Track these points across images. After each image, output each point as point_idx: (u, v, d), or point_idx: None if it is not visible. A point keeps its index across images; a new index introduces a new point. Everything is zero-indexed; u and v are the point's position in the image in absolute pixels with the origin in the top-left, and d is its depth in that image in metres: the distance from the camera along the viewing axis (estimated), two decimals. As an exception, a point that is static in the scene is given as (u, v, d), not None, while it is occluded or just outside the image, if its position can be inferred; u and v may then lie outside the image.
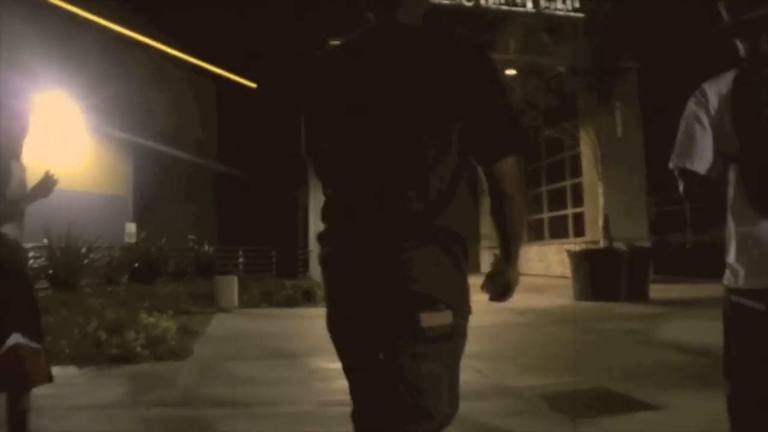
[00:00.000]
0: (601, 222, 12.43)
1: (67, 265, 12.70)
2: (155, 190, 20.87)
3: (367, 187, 1.60)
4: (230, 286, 11.27)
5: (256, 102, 26.65)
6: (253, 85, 27.99)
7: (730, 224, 2.07)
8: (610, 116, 14.58)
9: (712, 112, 2.02)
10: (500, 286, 2.03)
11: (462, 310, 1.69)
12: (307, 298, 12.03)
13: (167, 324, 7.48)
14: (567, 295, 12.32)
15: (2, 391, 3.14)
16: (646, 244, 16.33)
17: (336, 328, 1.76)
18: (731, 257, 2.05)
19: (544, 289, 14.95)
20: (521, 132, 1.75)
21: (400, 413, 1.57)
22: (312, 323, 9.27)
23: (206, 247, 16.87)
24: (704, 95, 2.06)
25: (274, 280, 14.71)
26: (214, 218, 25.44)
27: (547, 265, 21.28)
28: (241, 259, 20.57)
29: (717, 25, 2.17)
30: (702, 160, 2.02)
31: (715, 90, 2.04)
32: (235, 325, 9.30)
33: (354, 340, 1.69)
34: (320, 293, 12.23)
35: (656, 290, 11.66)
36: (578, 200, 19.76)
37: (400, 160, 1.57)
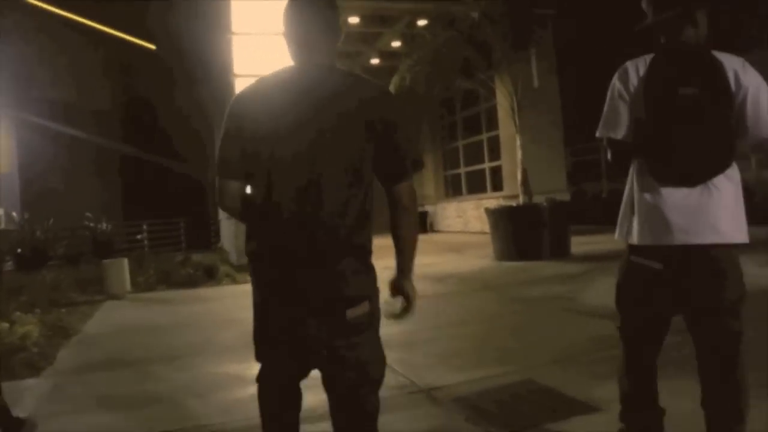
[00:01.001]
0: (519, 176, 11.82)
1: None
2: (47, 167, 19.01)
3: (299, 206, 1.91)
4: (120, 270, 10.03)
5: (161, 69, 24.46)
6: (152, 46, 25.79)
7: (633, 186, 2.44)
8: (527, 66, 13.94)
9: (631, 86, 2.38)
10: (400, 308, 2.28)
11: (375, 298, 2.07)
12: (208, 275, 10.96)
13: (27, 328, 6.30)
14: (487, 254, 11.71)
15: None
16: (565, 196, 15.98)
17: (273, 326, 2.00)
18: (629, 215, 2.46)
19: (464, 248, 14.36)
20: (418, 160, 2.07)
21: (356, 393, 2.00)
22: (210, 307, 8.33)
23: (104, 225, 15.32)
24: (626, 72, 2.43)
25: (176, 256, 13.45)
26: (119, 194, 23.52)
27: (465, 221, 20.79)
28: (145, 235, 19.03)
29: (640, 23, 2.51)
30: (623, 129, 2.40)
31: (634, 68, 2.40)
32: (121, 316, 8.15)
33: (295, 338, 1.94)
34: (223, 269, 11.22)
35: (576, 244, 11.19)
36: (495, 154, 19.24)
37: (327, 191, 1.92)
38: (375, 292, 2.09)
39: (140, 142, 23.64)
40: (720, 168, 2.28)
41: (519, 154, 11.92)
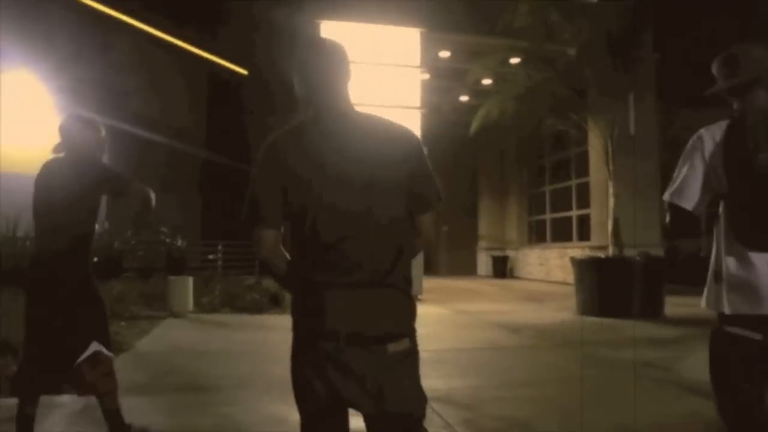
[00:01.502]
0: (610, 226, 10.99)
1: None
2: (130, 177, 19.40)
3: (348, 243, 1.91)
4: (184, 288, 9.85)
5: (249, 90, 24.99)
6: (245, 71, 26.37)
7: (721, 254, 2.40)
8: (624, 109, 13.13)
9: (707, 155, 2.38)
10: None
11: (413, 334, 2.03)
12: (274, 302, 10.62)
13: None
14: (569, 307, 10.88)
15: (84, 394, 3.40)
16: (659, 252, 14.90)
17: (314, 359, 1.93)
18: (716, 284, 2.42)
19: (544, 297, 13.52)
20: (439, 193, 2.12)
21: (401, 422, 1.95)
22: (269, 336, 7.88)
23: (179, 241, 15.36)
24: (701, 139, 2.42)
25: (246, 279, 13.23)
26: (198, 211, 23.87)
27: (547, 269, 19.85)
28: (219, 255, 19.05)
29: (711, 87, 2.57)
30: (691, 197, 2.39)
31: (710, 135, 2.40)
32: (177, 336, 7.87)
33: (339, 370, 1.88)
34: (289, 297, 10.83)
35: (670, 305, 10.20)
36: (584, 201, 18.31)
37: (375, 227, 1.92)
38: (413, 330, 2.07)
39: (224, 164, 24.04)
40: None
41: (611, 202, 11.11)
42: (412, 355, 1.99)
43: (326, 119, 1.99)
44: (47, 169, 3.39)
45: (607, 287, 10.07)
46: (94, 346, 3.24)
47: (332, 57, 2.04)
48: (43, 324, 3.26)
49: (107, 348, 3.35)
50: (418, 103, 13.63)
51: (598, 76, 11.28)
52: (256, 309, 10.20)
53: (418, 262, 13.20)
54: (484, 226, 23.92)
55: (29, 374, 3.33)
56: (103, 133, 3.57)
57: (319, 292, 1.89)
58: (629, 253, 10.90)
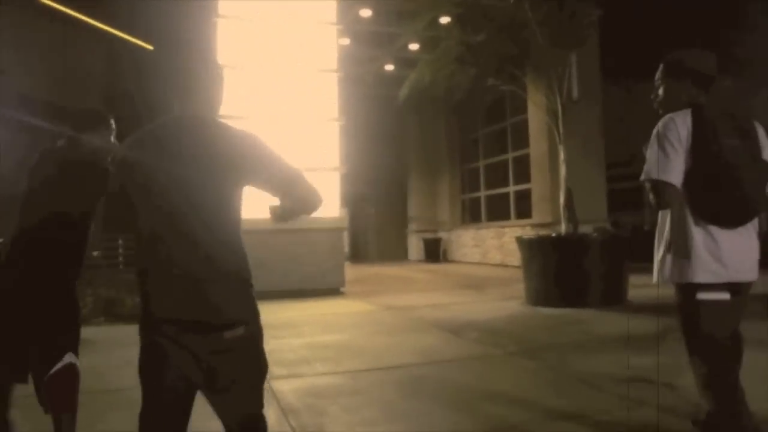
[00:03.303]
0: (562, 198, 9.29)
1: None
2: (19, 169, 16.63)
3: (183, 242, 2.07)
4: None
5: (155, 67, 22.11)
6: (149, 46, 23.43)
7: (681, 228, 2.57)
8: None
9: (682, 137, 2.55)
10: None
11: (254, 321, 2.18)
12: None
13: None
14: (516, 295, 9.19)
15: (54, 412, 2.93)
16: (605, 227, 13.45)
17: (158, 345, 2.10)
18: (681, 256, 2.56)
19: (484, 284, 11.80)
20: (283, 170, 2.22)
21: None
22: (129, 359, 5.70)
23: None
24: (674, 123, 2.59)
25: (131, 279, 10.94)
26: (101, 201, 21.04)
27: (484, 251, 18.26)
28: (120, 251, 16.51)
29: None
30: (677, 174, 2.54)
31: (681, 120, 2.58)
32: None
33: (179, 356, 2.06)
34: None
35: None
36: (522, 176, 16.76)
37: (207, 225, 2.08)
38: (254, 317, 2.20)
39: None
40: (762, 209, 2.57)
41: (562, 170, 9.40)
42: (247, 339, 2.11)
43: (171, 126, 2.18)
44: (45, 177, 3.17)
45: (562, 272, 8.38)
46: (69, 357, 2.96)
47: (204, 64, 2.24)
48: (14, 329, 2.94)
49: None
50: (334, 66, 11.61)
51: (542, 25, 9.55)
52: (137, 317, 8.00)
53: (338, 251, 11.24)
54: (414, 206, 22.11)
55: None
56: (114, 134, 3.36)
57: (160, 284, 2.08)
58: (583, 229, 9.28)
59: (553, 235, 9.36)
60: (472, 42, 10.88)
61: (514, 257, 16.33)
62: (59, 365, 2.92)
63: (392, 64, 18.45)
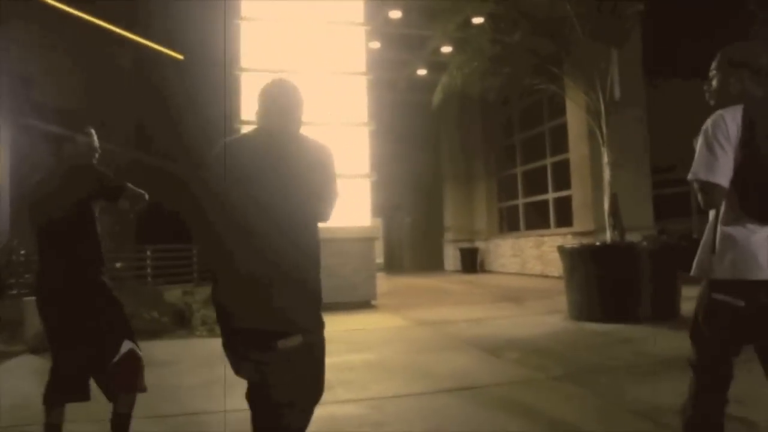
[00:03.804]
0: (606, 205, 8.66)
1: None
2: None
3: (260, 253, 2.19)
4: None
5: (184, 78, 22.03)
6: (180, 56, 23.34)
7: (723, 226, 2.49)
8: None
9: (731, 135, 2.43)
10: None
11: (316, 332, 2.28)
12: (178, 322, 8.13)
13: None
14: (558, 309, 8.59)
15: (118, 393, 3.21)
16: (653, 235, 12.72)
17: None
18: (716, 253, 2.47)
19: (523, 296, 11.17)
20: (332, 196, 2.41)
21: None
22: (163, 376, 5.31)
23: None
24: (724, 120, 2.46)
25: (168, 290, 10.59)
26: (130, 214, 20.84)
27: (522, 261, 17.59)
28: (148, 262, 16.26)
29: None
30: (725, 175, 2.42)
31: (731, 117, 2.45)
32: (23, 388, 5.23)
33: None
34: (202, 313, 8.34)
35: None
36: (562, 182, 16.08)
37: (284, 230, 2.23)
38: (314, 325, 2.29)
39: (155, 156, 21.10)
40: None
41: (606, 174, 8.78)
42: (305, 350, 2.17)
43: (262, 136, 2.40)
44: (43, 183, 3.41)
45: (608, 283, 7.75)
46: (128, 344, 3.20)
47: (291, 97, 2.51)
48: (70, 330, 3.18)
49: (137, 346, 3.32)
50: (363, 68, 11.18)
51: (582, 19, 8.97)
52: (153, 332, 7.59)
53: (370, 262, 10.75)
54: (450, 215, 21.52)
55: (62, 383, 3.22)
56: (95, 137, 3.54)
57: (228, 290, 2.24)
58: (630, 238, 8.63)
59: (598, 243, 8.72)
60: (506, 41, 10.34)
61: (555, 267, 15.67)
62: (120, 353, 3.17)
63: (425, 69, 17.98)
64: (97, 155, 3.51)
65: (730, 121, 2.46)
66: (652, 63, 14.15)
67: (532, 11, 10.27)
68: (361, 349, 6.37)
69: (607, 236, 8.56)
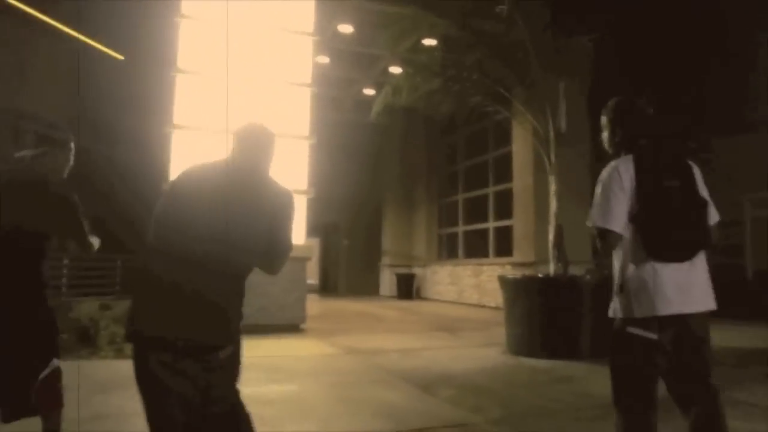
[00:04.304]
0: (551, 235, 8.35)
1: None
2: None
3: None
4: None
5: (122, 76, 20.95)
6: (120, 56, 22.26)
7: (629, 267, 2.68)
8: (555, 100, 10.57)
9: (625, 184, 2.65)
10: None
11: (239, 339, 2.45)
12: (83, 340, 7.33)
13: None
14: (495, 341, 8.19)
15: (39, 413, 3.20)
16: (592, 268, 12.54)
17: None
18: (626, 294, 2.67)
19: (459, 326, 10.75)
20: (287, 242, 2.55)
21: None
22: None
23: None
24: (617, 171, 2.69)
25: (61, 304, 9.66)
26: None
27: (459, 290, 17.24)
28: (64, 272, 15.12)
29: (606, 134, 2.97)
30: (619, 222, 2.64)
31: (624, 167, 2.69)
32: None
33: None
34: (111, 330, 7.57)
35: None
36: (502, 211, 15.86)
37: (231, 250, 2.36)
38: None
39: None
40: (704, 245, 2.68)
41: (552, 204, 8.49)
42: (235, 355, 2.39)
43: (230, 167, 2.52)
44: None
45: (549, 317, 7.38)
46: (56, 362, 3.23)
47: (261, 139, 2.65)
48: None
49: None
50: (308, 80, 10.67)
51: (537, 47, 8.73)
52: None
53: (301, 283, 10.12)
54: (389, 239, 21.07)
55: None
56: (73, 150, 3.51)
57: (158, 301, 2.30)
58: (573, 271, 8.32)
59: (540, 275, 8.37)
60: (459, 60, 10.02)
61: (492, 297, 15.36)
62: (47, 370, 3.17)
63: (372, 89, 17.59)
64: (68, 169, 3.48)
65: (623, 170, 2.67)
66: (599, 97, 14.13)
67: (488, 35, 10.03)
68: (282, 379, 5.76)
69: (551, 268, 8.22)
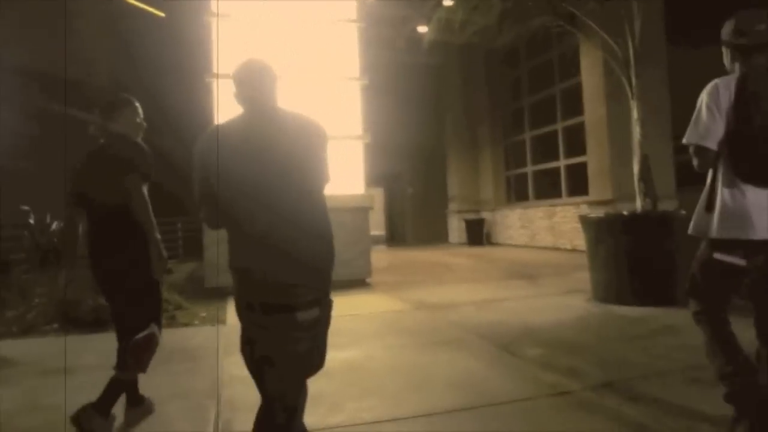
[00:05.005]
0: (636, 168, 7.44)
1: None
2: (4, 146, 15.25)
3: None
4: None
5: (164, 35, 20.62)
6: (161, 13, 21.81)
7: (720, 187, 2.69)
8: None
9: (722, 102, 2.65)
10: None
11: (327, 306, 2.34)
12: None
13: None
14: (580, 288, 7.46)
15: (129, 371, 3.29)
16: (674, 205, 11.54)
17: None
18: (714, 213, 2.69)
19: (537, 272, 10.00)
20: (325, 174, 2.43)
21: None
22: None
23: (49, 223, 11.36)
24: (717, 88, 2.69)
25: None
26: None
27: (532, 233, 16.40)
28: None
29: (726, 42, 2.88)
30: (715, 140, 2.65)
31: (725, 85, 2.68)
32: None
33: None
34: (167, 299, 7.19)
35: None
36: (574, 148, 14.83)
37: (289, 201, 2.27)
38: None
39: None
40: None
41: (636, 132, 7.53)
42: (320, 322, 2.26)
43: (251, 117, 2.39)
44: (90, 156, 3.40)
45: (641, 259, 6.57)
46: (152, 328, 3.29)
47: (263, 75, 2.45)
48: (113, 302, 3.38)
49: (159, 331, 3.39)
50: (353, 15, 9.89)
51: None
52: (98, 323, 6.47)
53: (364, 235, 9.54)
54: (454, 185, 20.25)
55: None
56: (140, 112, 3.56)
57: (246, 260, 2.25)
58: (664, 206, 7.44)
59: (626, 213, 7.50)
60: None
61: (568, 239, 14.50)
62: (144, 333, 3.23)
63: (426, 26, 16.57)
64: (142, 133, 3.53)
65: (723, 89, 2.67)
66: (675, 20, 12.79)
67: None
68: (344, 344, 5.20)
69: (637, 204, 7.35)
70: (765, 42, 2.74)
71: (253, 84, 2.42)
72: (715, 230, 2.67)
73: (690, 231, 2.83)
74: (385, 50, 17.55)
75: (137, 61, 18.34)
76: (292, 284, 2.17)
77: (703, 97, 2.72)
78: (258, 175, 2.21)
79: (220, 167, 2.25)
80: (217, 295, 7.98)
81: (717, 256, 2.68)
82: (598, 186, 13.00)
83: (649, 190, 7.24)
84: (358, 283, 9.16)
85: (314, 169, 2.34)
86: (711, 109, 2.66)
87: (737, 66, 2.79)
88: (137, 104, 3.50)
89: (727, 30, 2.86)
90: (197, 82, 9.39)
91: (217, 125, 2.40)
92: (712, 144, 2.64)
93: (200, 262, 10.65)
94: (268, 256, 2.17)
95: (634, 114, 7.56)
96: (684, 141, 2.74)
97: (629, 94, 7.68)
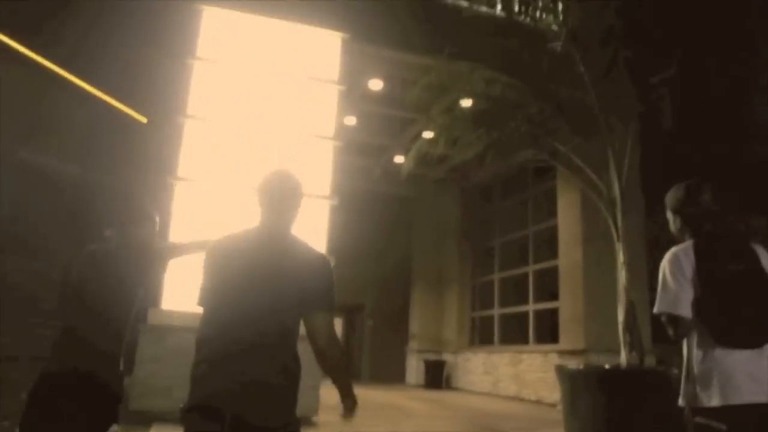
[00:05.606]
0: (621, 316, 6.75)
1: None
2: None
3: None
4: None
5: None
6: (143, 119, 21.48)
7: (696, 355, 2.63)
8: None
9: (685, 269, 2.65)
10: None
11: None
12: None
13: None
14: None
15: None
16: (653, 360, 10.82)
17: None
18: (693, 382, 2.60)
19: (502, 425, 8.99)
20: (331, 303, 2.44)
21: None
22: None
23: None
24: (678, 257, 2.70)
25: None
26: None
27: (495, 380, 15.40)
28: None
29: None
30: (686, 307, 2.61)
31: (684, 254, 2.69)
32: None
33: None
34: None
35: None
36: (545, 292, 14.26)
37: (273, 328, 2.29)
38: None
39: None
40: None
41: (622, 277, 6.91)
42: None
43: (260, 234, 2.41)
44: (95, 257, 3.28)
45: (626, 420, 5.72)
46: (114, 428, 3.15)
47: (287, 191, 2.47)
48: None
49: None
50: (331, 132, 9.50)
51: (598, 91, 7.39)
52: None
53: (313, 369, 8.48)
54: (416, 322, 19.34)
55: None
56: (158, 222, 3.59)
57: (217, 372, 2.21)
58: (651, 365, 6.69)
59: (608, 366, 6.70)
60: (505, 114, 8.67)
61: (533, 390, 13.51)
62: None
63: (403, 156, 16.40)
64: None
65: (683, 256, 2.70)
66: (654, 165, 12.71)
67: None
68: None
69: (622, 357, 6.58)
70: (712, 210, 2.80)
71: (272, 202, 2.44)
72: (696, 398, 2.60)
73: (680, 403, 2.73)
74: (360, 179, 17.31)
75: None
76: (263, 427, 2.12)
77: (665, 266, 2.73)
78: (251, 292, 2.24)
79: (222, 276, 2.30)
80: (142, 421, 6.85)
81: (698, 420, 2.60)
82: (570, 334, 12.26)
83: (635, 342, 6.52)
84: (304, 421, 7.99)
85: (315, 297, 2.35)
86: (676, 276, 2.66)
87: (687, 233, 2.83)
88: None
89: (674, 198, 2.91)
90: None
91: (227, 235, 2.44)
92: (686, 311, 2.62)
93: (128, 376, 9.46)
94: (236, 390, 2.11)
95: (620, 257, 6.98)
96: (655, 311, 2.70)
97: (615, 236, 7.13)
